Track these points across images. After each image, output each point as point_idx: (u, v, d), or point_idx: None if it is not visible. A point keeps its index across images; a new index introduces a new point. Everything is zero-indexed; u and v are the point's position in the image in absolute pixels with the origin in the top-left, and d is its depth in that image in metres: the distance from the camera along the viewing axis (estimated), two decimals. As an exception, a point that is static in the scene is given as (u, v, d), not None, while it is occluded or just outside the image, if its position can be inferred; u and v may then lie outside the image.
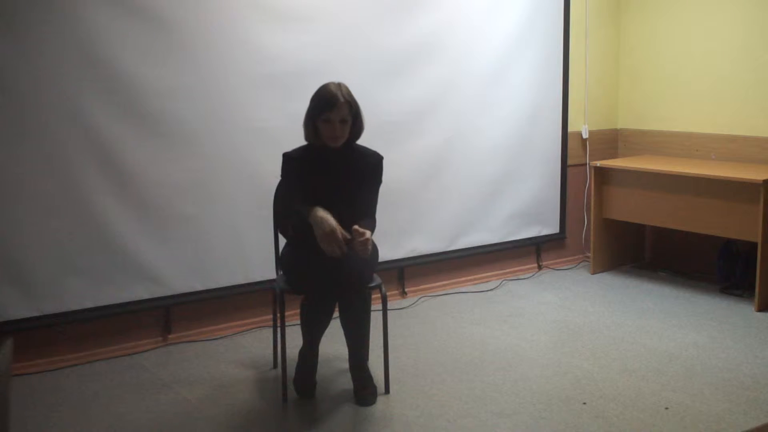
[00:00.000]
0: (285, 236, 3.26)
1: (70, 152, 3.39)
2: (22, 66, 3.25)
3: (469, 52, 4.52)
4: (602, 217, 4.95)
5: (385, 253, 4.00)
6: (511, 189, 4.84)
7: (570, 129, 5.07)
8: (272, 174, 3.20)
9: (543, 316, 4.19)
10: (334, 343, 3.51)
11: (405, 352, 3.63)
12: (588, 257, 5.13)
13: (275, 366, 3.47)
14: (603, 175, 4.91)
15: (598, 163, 4.90)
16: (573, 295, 4.56)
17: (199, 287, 3.80)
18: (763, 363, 3.42)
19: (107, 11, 3.40)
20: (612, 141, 5.38)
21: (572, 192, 5.19)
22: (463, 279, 4.77)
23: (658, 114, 5.14)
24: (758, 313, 4.13)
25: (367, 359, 3.21)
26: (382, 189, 3.25)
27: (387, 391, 3.15)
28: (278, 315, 3.16)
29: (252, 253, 3.88)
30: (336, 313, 3.05)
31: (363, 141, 3.19)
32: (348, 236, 2.88)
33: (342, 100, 2.99)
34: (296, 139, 3.16)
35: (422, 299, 4.49)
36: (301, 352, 3.16)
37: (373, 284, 3.08)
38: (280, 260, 3.29)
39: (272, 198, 3.36)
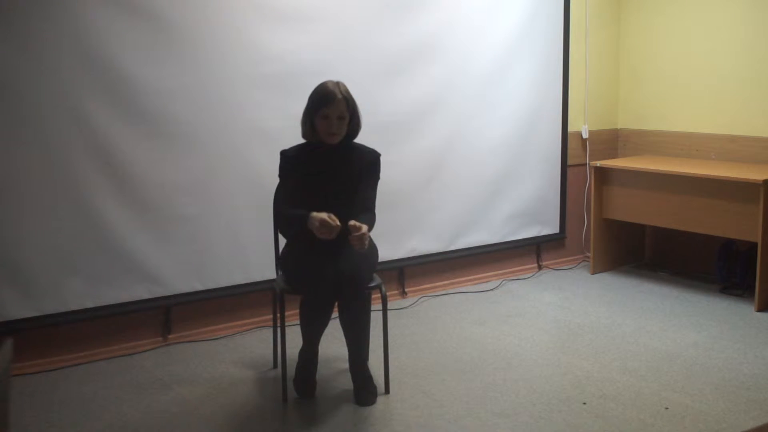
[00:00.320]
0: (285, 236, 3.26)
1: (70, 152, 3.39)
2: (22, 66, 3.25)
3: (469, 52, 4.52)
4: (602, 217, 4.95)
5: (385, 253, 4.00)
6: (511, 189, 4.84)
7: (570, 129, 5.07)
8: (272, 174, 3.20)
9: (543, 316, 4.19)
10: (334, 343, 3.51)
11: (405, 352, 3.63)
12: (588, 257, 5.13)
13: (275, 366, 3.47)
14: (603, 175, 4.91)
15: (598, 163, 4.90)
16: (573, 295, 4.56)
17: (199, 287, 3.80)
18: (763, 363, 3.42)
19: (107, 11, 3.40)
20: (612, 141, 5.38)
21: (572, 192, 5.19)
22: (463, 279, 4.77)
23: (658, 114, 5.14)
24: (758, 313, 4.13)
25: (367, 359, 3.21)
26: (382, 188, 3.25)
27: (387, 391, 3.15)
28: (278, 315, 3.16)
29: (252, 253, 3.88)
30: (336, 313, 3.05)
31: (362, 140, 3.20)
32: (337, 223, 2.89)
33: (340, 96, 3.02)
34: (296, 139, 3.17)
35: (422, 299, 4.49)
36: (301, 352, 3.16)
37: (373, 284, 3.08)
38: (280, 260, 3.29)
39: (272, 198, 3.36)
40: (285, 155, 3.15)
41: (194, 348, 3.74)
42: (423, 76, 4.36)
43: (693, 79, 4.89)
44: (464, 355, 3.59)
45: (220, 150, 3.77)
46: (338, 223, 2.89)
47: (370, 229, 3.00)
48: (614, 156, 5.34)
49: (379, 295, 3.08)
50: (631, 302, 4.38)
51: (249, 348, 3.74)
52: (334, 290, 2.95)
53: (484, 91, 4.61)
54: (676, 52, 4.96)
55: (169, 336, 3.80)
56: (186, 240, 3.73)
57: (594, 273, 4.99)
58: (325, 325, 3.07)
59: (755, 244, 4.15)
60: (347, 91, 3.07)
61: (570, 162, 5.12)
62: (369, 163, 3.17)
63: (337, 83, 3.07)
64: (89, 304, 3.52)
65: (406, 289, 4.53)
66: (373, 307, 3.13)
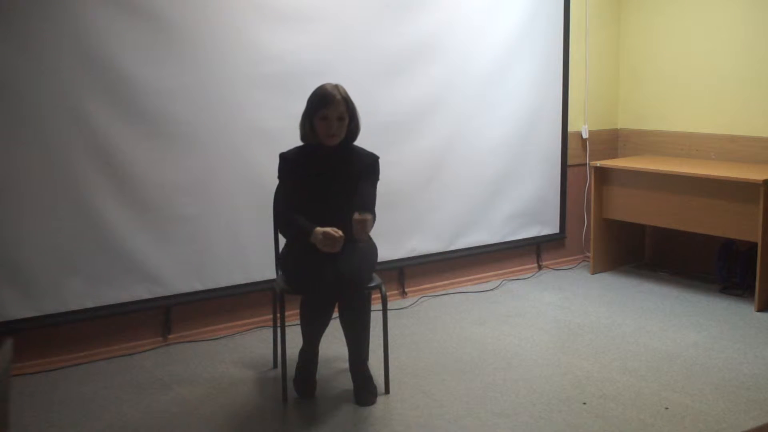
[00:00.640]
0: (285, 236, 3.26)
1: (70, 152, 3.39)
2: (22, 66, 3.25)
3: (469, 52, 4.52)
4: (602, 217, 4.95)
5: (385, 253, 4.00)
6: (511, 189, 4.84)
7: (570, 129, 5.07)
8: (272, 174, 3.20)
9: (543, 316, 4.19)
10: (334, 343, 3.51)
11: (405, 352, 3.63)
12: (588, 257, 5.13)
13: (275, 366, 3.47)
14: (603, 175, 4.91)
15: (598, 163, 4.90)
16: (573, 295, 4.56)
17: (199, 287, 3.80)
18: (763, 363, 3.42)
19: (107, 11, 3.40)
20: (612, 141, 5.38)
21: (572, 192, 5.19)
22: (463, 279, 4.77)
23: (658, 114, 5.14)
24: (758, 313, 4.13)
25: (367, 359, 3.21)
26: (382, 189, 3.25)
27: (387, 391, 3.15)
28: (278, 315, 3.16)
29: (252, 253, 3.88)
30: (336, 313, 3.05)
31: (363, 140, 3.20)
32: (341, 234, 2.91)
33: (339, 97, 3.03)
34: (296, 139, 3.17)
35: (422, 299, 4.49)
36: (301, 352, 3.16)
37: (373, 284, 3.08)
38: (280, 260, 3.29)
39: (272, 198, 3.36)
40: (284, 157, 3.15)
41: (194, 348, 3.74)
42: (423, 76, 4.36)
43: (693, 79, 4.89)
44: (464, 355, 3.59)
45: (220, 150, 3.77)
46: (342, 234, 2.89)
47: (371, 224, 3.00)
48: (614, 156, 5.34)
49: (379, 295, 3.08)
50: (631, 302, 4.38)
51: (249, 348, 3.74)
52: (334, 290, 2.95)
53: (484, 91, 4.61)
54: (676, 52, 4.96)
55: (169, 336, 3.80)
56: (186, 240, 3.73)
57: (594, 273, 4.99)
58: (325, 325, 3.07)
59: (755, 244, 4.15)
60: (346, 93, 3.07)
61: (570, 162, 5.12)
62: (368, 165, 3.17)
63: (336, 85, 3.08)
64: (89, 304, 3.52)
65: (406, 289, 4.53)
66: (373, 307, 3.13)
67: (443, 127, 4.48)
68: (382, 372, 3.18)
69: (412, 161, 4.37)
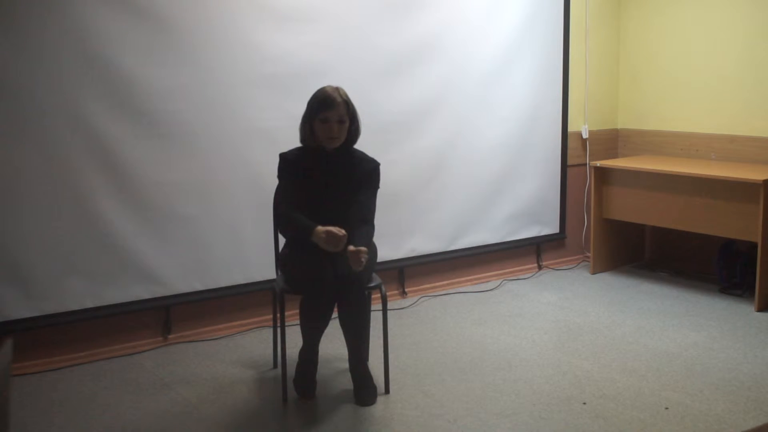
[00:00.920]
0: (285, 236, 3.26)
1: (71, 152, 3.39)
2: (22, 66, 3.25)
3: (469, 52, 4.52)
4: (602, 217, 4.95)
5: (385, 253, 4.00)
6: (511, 189, 4.84)
7: (570, 129, 5.07)
8: (272, 174, 3.20)
9: (543, 316, 4.19)
10: (334, 343, 3.51)
11: (405, 352, 3.63)
12: (588, 257, 5.13)
13: (275, 366, 3.47)
14: (603, 175, 4.91)
15: (598, 163, 4.90)
16: (573, 295, 4.56)
17: (199, 287, 3.80)
18: (763, 363, 3.42)
19: (107, 11, 3.40)
20: (612, 141, 5.38)
21: (572, 192, 5.19)
22: (463, 279, 4.77)
23: (658, 114, 5.14)
24: (758, 313, 4.13)
25: (367, 359, 3.21)
26: (383, 189, 3.25)
27: (387, 391, 3.15)
28: (278, 315, 3.16)
29: (252, 253, 3.88)
30: (336, 313, 3.05)
31: (363, 139, 3.19)
32: (343, 232, 2.89)
33: (339, 100, 3.02)
34: (296, 139, 3.16)
35: (422, 299, 4.49)
36: (301, 352, 3.16)
37: (373, 284, 3.08)
38: (280, 260, 3.29)
39: (272, 198, 3.36)
40: (284, 158, 3.14)
41: (194, 348, 3.74)
42: (423, 76, 4.36)
43: (693, 79, 4.89)
44: (464, 355, 3.59)
45: (220, 150, 3.77)
46: (345, 233, 2.89)
47: (369, 242, 3.01)
48: (614, 156, 5.34)
49: (379, 295, 3.08)
50: (631, 302, 4.38)
51: (249, 348, 3.74)
52: (334, 290, 2.95)
53: (484, 91, 4.61)
54: (676, 52, 4.96)
55: (169, 336, 3.80)
56: (186, 240, 3.73)
57: (594, 273, 4.99)
58: (325, 325, 3.06)
59: (755, 244, 4.15)
60: (347, 96, 3.06)
61: (570, 162, 5.12)
62: (368, 172, 3.15)
63: (337, 88, 3.07)
64: (89, 304, 3.52)
65: (406, 289, 4.53)
66: (373, 307, 3.13)
67: (443, 127, 4.48)
68: (382, 372, 3.18)
69: (412, 161, 4.37)
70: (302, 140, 3.13)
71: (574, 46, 5.03)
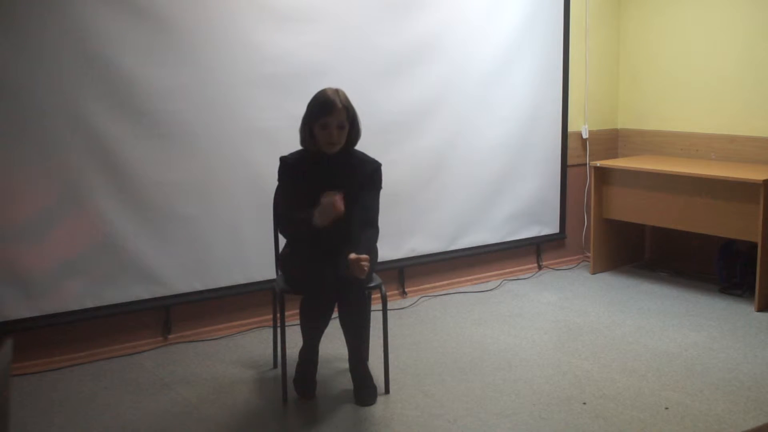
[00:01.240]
0: (287, 237, 3.26)
1: (70, 152, 3.39)
2: (22, 66, 3.25)
3: (469, 52, 4.52)
4: (602, 217, 4.95)
5: (385, 253, 4.00)
6: (511, 189, 4.84)
7: (570, 129, 5.07)
8: (272, 174, 3.20)
9: (543, 316, 4.19)
10: (334, 343, 3.51)
11: (405, 352, 3.63)
12: (588, 257, 5.13)
13: (275, 366, 3.47)
14: (603, 175, 4.91)
15: (598, 163, 4.90)
16: (573, 295, 4.56)
17: (199, 287, 3.80)
18: (763, 363, 3.42)
19: (107, 11, 3.40)
20: (612, 141, 5.38)
21: (572, 192, 5.19)
22: (463, 279, 4.77)
23: (658, 114, 5.14)
24: (758, 313, 4.13)
25: (367, 359, 3.21)
26: (383, 189, 3.24)
27: (387, 391, 3.15)
28: (278, 315, 3.16)
29: (252, 253, 3.88)
30: (336, 313, 3.05)
31: (363, 139, 3.18)
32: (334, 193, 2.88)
33: (340, 105, 2.98)
34: (296, 139, 3.16)
35: (422, 299, 4.49)
36: (301, 352, 3.16)
37: (373, 284, 3.08)
38: (280, 260, 3.29)
39: (272, 198, 3.36)
40: (285, 162, 3.13)
41: (194, 348, 3.74)
42: (423, 76, 4.36)
43: (693, 79, 4.89)
44: (464, 355, 3.59)
45: (220, 150, 3.77)
46: (337, 193, 2.87)
47: (372, 248, 2.99)
48: (614, 156, 5.34)
49: (379, 295, 3.08)
50: (631, 302, 4.38)
51: (249, 348, 3.74)
52: (334, 290, 2.95)
53: (484, 91, 4.61)
54: (676, 52, 4.96)
55: (169, 336, 3.80)
56: (186, 240, 3.73)
57: (594, 273, 4.99)
58: (325, 325, 3.06)
59: (755, 244, 4.15)
60: (347, 100, 3.03)
61: (570, 162, 5.12)
62: (369, 173, 3.13)
63: (337, 91, 3.03)
64: (89, 304, 3.52)
65: (406, 289, 4.53)
66: (373, 307, 3.13)
67: (443, 127, 4.48)
68: (382, 372, 3.18)
69: (412, 161, 4.37)
70: (302, 142, 3.12)
71: (574, 46, 5.03)
